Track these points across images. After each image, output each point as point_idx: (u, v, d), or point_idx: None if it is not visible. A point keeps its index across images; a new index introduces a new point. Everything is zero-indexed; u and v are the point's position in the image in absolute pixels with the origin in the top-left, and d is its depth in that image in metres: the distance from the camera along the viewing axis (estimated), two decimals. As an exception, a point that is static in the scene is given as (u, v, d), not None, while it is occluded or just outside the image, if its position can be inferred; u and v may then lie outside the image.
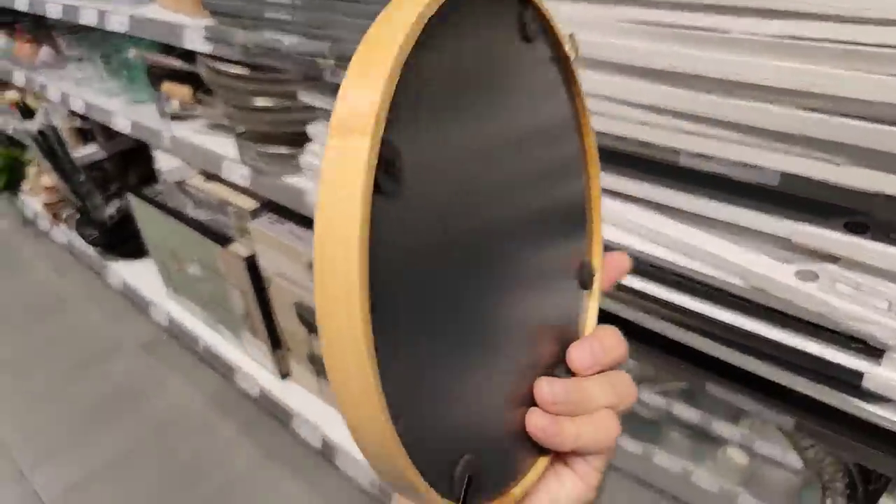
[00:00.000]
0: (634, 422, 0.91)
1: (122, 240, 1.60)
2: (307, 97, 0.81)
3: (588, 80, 0.50)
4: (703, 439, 0.85)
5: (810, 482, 0.73)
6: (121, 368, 1.53)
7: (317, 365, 1.18)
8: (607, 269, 0.34)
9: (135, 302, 1.62)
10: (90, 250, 1.72)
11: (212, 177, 1.18)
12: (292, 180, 0.93)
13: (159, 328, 1.57)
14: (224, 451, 1.30)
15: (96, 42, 1.37)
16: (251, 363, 1.33)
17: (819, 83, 0.40)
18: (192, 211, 1.23)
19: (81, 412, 1.41)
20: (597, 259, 0.34)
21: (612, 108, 0.50)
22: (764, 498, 0.82)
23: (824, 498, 0.64)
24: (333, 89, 0.79)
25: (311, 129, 0.81)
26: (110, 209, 1.59)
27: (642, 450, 0.91)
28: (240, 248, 1.14)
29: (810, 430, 0.53)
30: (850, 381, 0.47)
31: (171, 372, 1.50)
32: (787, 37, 0.41)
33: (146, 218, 1.36)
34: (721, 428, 0.80)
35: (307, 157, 0.81)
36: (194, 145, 1.10)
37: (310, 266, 1.02)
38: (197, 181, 1.19)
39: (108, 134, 1.64)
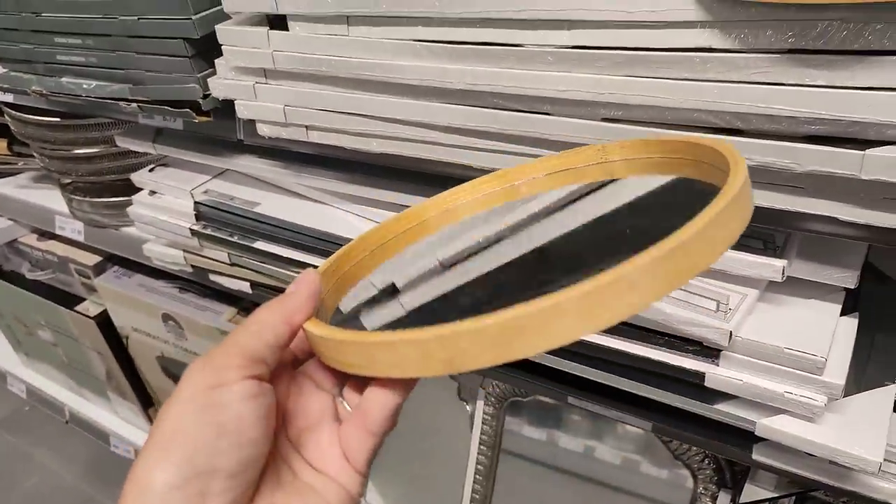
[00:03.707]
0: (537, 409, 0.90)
1: (-37, 310, 1.44)
2: (125, 142, 0.74)
3: (383, 104, 0.48)
4: (601, 417, 0.84)
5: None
6: (-19, 450, 1.38)
7: (193, 418, 1.10)
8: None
9: (-12, 375, 1.47)
10: (-69, 325, 1.54)
11: (46, 234, 1.08)
12: (130, 230, 0.86)
13: (18, 400, 1.43)
14: (105, 525, 1.20)
15: None
16: (124, 425, 1.23)
17: (610, 92, 0.39)
18: (30, 273, 1.12)
19: (-64, 508, 1.27)
20: None
21: (410, 132, 0.48)
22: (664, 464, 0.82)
23: (696, 485, 0.65)
24: (150, 132, 0.72)
25: (136, 176, 0.75)
26: (-55, 278, 1.43)
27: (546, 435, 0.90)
28: (89, 308, 1.05)
29: (666, 431, 0.53)
30: (693, 382, 0.47)
31: (37, 446, 1.37)
32: (577, 47, 0.39)
33: (-18, 285, 1.23)
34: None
35: (135, 207, 0.74)
36: (21, 202, 1.01)
37: (166, 318, 0.94)
38: (30, 240, 1.08)
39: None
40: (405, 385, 0.29)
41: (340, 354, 0.28)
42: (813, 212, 0.37)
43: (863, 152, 0.33)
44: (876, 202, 0.35)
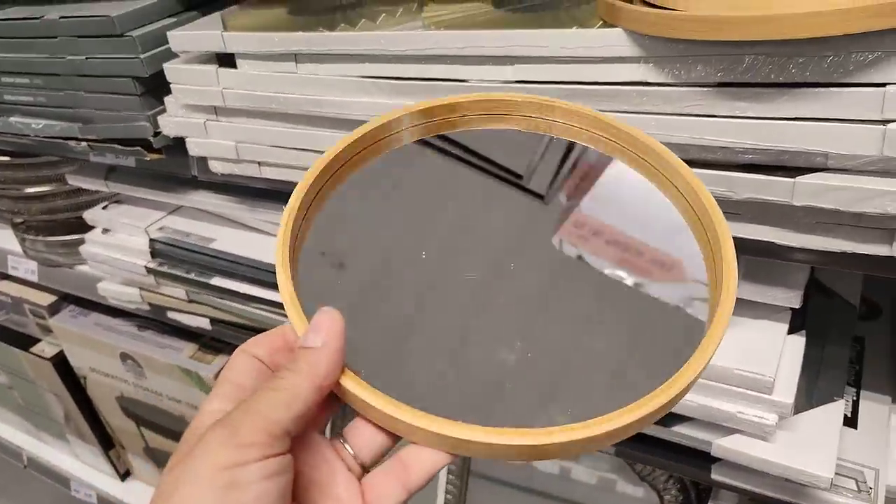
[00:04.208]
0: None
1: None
2: (76, 181, 0.73)
3: (333, 139, 0.48)
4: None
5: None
6: (-67, 501, 1.33)
7: (156, 458, 1.07)
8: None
9: (-59, 421, 1.42)
10: None
11: (-2, 274, 1.05)
12: (85, 269, 0.85)
13: (-26, 447, 1.38)
14: (66, 573, 1.16)
15: None
16: (85, 468, 1.20)
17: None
18: (-18, 315, 1.09)
19: None
20: None
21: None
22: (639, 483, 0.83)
23: (663, 506, 0.66)
24: (102, 170, 0.72)
25: (89, 214, 0.74)
26: None
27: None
28: (45, 349, 1.02)
29: (629, 454, 0.53)
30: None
31: (-6, 494, 1.32)
32: (520, 81, 0.40)
33: (-68, 328, 1.19)
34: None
35: (87, 245, 0.73)
36: (-29, 242, 0.98)
37: (124, 357, 0.93)
38: (-18, 281, 1.06)
39: None
40: None
41: (403, 430, 0.26)
42: (751, 237, 0.38)
43: (793, 180, 0.34)
44: (810, 226, 0.36)
